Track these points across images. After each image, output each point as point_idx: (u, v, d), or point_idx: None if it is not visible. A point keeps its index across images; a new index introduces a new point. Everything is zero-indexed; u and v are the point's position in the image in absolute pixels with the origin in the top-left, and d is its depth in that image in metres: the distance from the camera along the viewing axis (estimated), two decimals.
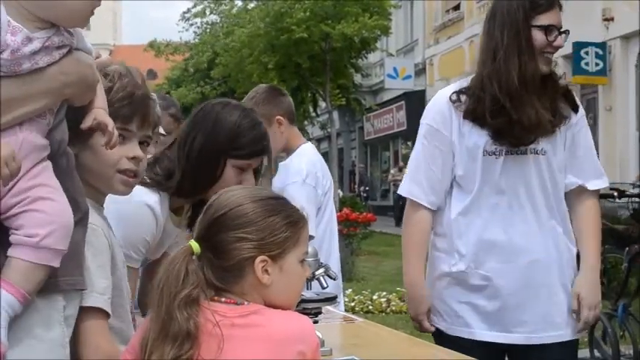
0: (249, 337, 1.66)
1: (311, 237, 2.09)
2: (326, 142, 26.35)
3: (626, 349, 6.06)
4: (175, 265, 1.68)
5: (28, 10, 1.65)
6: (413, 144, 3.13)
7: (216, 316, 1.66)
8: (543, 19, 2.82)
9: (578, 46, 14.47)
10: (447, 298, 2.94)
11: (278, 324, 1.68)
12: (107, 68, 2.02)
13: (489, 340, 2.86)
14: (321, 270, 2.70)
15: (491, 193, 2.85)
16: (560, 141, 2.89)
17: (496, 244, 2.85)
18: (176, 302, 1.64)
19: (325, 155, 4.04)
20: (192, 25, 25.91)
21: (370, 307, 8.78)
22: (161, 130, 3.13)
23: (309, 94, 23.77)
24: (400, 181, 3.50)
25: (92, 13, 1.73)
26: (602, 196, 7.62)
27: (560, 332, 2.88)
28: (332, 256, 3.83)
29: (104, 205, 2.07)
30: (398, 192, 3.16)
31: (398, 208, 19.22)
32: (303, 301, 2.38)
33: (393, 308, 8.71)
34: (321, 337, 2.22)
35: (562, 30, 2.85)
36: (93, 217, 1.91)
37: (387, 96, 27.22)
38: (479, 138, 2.83)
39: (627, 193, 7.13)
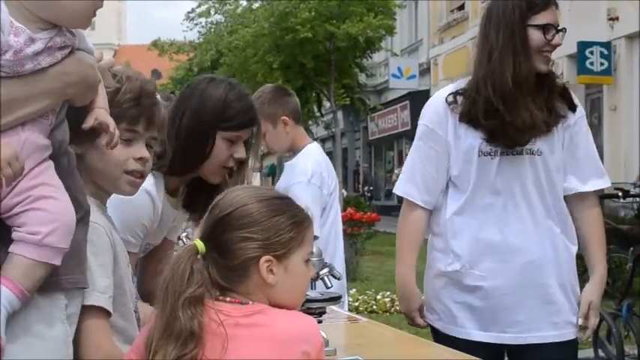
0: (253, 337, 1.66)
1: (315, 237, 2.10)
2: (330, 142, 26.37)
3: (631, 349, 6.07)
4: (180, 265, 1.68)
5: (31, 10, 1.65)
6: None
7: (221, 316, 1.66)
8: (540, 19, 2.82)
9: (583, 45, 14.45)
10: (443, 297, 2.94)
11: (283, 324, 1.68)
12: (113, 69, 2.02)
13: (485, 341, 2.86)
14: (326, 270, 2.70)
15: (486, 194, 2.85)
16: (558, 141, 2.88)
17: (491, 244, 2.85)
18: (180, 301, 1.65)
19: (329, 155, 4.05)
20: (196, 24, 25.95)
21: (374, 307, 8.78)
22: None
23: (314, 94, 23.79)
24: None
25: (94, 14, 1.73)
26: (606, 196, 7.66)
27: (558, 332, 2.87)
28: (337, 257, 3.83)
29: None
30: (393, 191, 3.18)
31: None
32: (308, 300, 2.38)
33: (397, 308, 8.67)
34: (325, 336, 2.22)
35: (559, 28, 2.85)
36: (95, 217, 1.91)
37: (391, 96, 27.23)
38: (474, 139, 2.84)
39: (631, 193, 7.13)
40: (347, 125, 31.31)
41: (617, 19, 14.61)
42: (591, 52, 14.60)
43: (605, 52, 14.65)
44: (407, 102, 25.01)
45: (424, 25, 25.82)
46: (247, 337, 1.66)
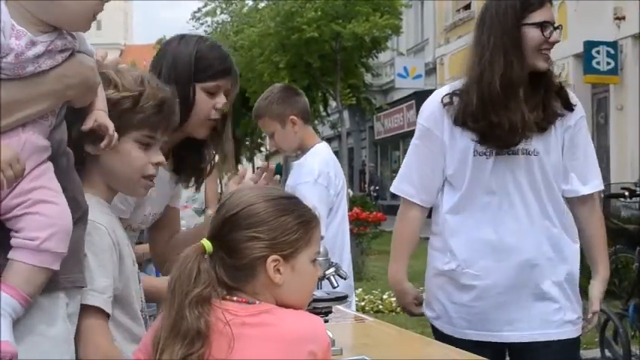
0: (260, 337, 1.66)
1: (321, 237, 2.11)
2: (336, 142, 26.35)
3: (638, 349, 6.06)
4: (187, 264, 1.69)
5: (32, 13, 1.66)
6: None
7: (227, 315, 1.66)
8: (537, 17, 2.82)
9: (590, 45, 14.43)
10: (440, 296, 2.96)
11: (289, 323, 1.68)
12: (133, 72, 2.04)
13: (481, 340, 2.86)
14: (332, 269, 2.70)
15: (482, 193, 2.86)
16: (555, 141, 2.88)
17: (487, 244, 2.85)
18: (187, 301, 1.65)
19: (335, 154, 4.05)
20: (202, 24, 25.97)
21: (380, 307, 8.78)
22: None
23: (320, 94, 23.80)
24: None
25: (94, 18, 1.75)
26: (613, 195, 7.65)
27: (555, 331, 2.86)
28: (344, 257, 3.83)
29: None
30: (390, 189, 3.20)
31: None
32: (314, 300, 2.38)
33: None
34: (331, 336, 2.22)
35: (556, 25, 2.85)
36: (99, 216, 1.92)
37: (397, 95, 27.21)
38: (469, 140, 2.85)
39: (638, 192, 7.11)
40: (353, 125, 31.31)
41: (623, 18, 14.58)
42: (598, 52, 14.57)
43: (612, 51, 14.61)
44: (413, 101, 24.97)
45: (430, 25, 25.80)
46: (254, 336, 1.66)
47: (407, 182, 3.02)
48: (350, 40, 21.15)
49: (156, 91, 2.03)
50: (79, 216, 1.79)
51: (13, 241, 1.66)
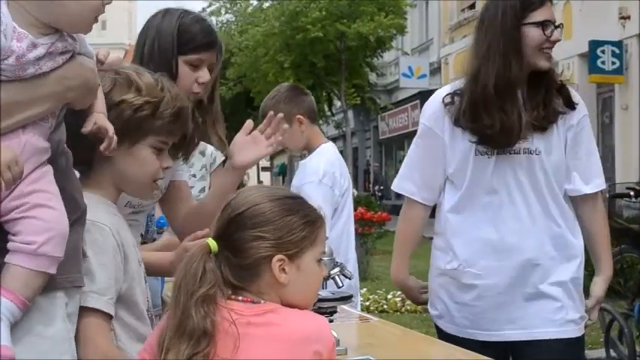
0: (265, 336, 1.66)
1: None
2: (341, 141, 26.37)
3: None
4: (193, 264, 1.69)
5: (34, 15, 1.67)
6: None
7: (233, 315, 1.67)
8: (537, 16, 2.82)
9: (595, 44, 14.41)
10: (443, 296, 2.97)
11: (294, 323, 1.68)
12: (153, 76, 2.04)
13: (484, 340, 2.86)
14: (337, 269, 2.71)
15: (483, 193, 2.86)
16: (558, 140, 2.87)
17: (488, 243, 2.85)
18: (193, 300, 1.65)
19: (340, 154, 4.08)
20: None
21: (385, 307, 8.78)
22: None
23: (324, 94, 23.80)
24: None
25: (96, 20, 1.75)
26: (618, 195, 7.63)
27: (557, 329, 2.85)
28: (349, 258, 3.82)
29: None
30: (392, 187, 3.23)
31: None
32: (319, 300, 2.38)
33: (408, 307, 8.69)
34: (336, 336, 2.22)
35: (557, 24, 2.85)
36: (104, 216, 1.92)
37: (402, 95, 27.19)
38: (469, 139, 2.85)
39: None
40: (357, 124, 31.30)
41: (628, 18, 14.56)
42: (603, 51, 14.56)
43: (617, 51, 14.60)
44: (417, 101, 24.95)
45: (435, 25, 25.79)
46: (259, 336, 1.66)
47: (408, 180, 3.04)
48: (355, 40, 21.15)
49: (174, 98, 2.03)
50: (78, 216, 1.80)
51: (10, 245, 1.67)
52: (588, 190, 2.93)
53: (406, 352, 2.71)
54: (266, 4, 23.85)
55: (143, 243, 2.87)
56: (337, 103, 25.00)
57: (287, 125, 3.93)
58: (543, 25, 2.81)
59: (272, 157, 44.32)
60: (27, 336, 1.69)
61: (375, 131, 31.08)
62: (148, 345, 1.77)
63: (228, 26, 25.78)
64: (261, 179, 41.04)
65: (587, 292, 2.99)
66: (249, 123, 2.51)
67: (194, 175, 5.72)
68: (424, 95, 24.30)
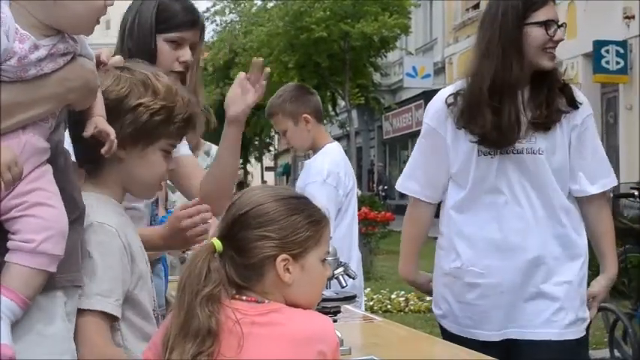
0: (269, 336, 1.67)
1: None
2: (345, 141, 26.35)
3: None
4: (197, 263, 1.69)
5: (36, 16, 1.67)
6: None
7: (237, 314, 1.67)
8: (540, 15, 2.81)
9: (599, 44, 14.39)
10: (447, 295, 2.97)
11: (298, 323, 1.69)
12: (168, 79, 2.04)
13: (486, 340, 2.86)
14: (341, 269, 2.71)
15: (486, 192, 2.86)
16: (561, 140, 2.86)
17: (491, 242, 2.86)
18: (198, 299, 1.66)
19: (345, 154, 4.10)
20: (212, 22, 25.98)
21: (389, 307, 8.78)
22: None
23: (329, 93, 23.80)
24: None
25: (98, 22, 1.76)
26: (622, 195, 7.62)
27: (558, 330, 2.84)
28: (352, 258, 3.82)
29: None
30: (395, 187, 3.24)
31: None
32: (323, 300, 2.38)
33: (412, 307, 8.69)
34: (340, 336, 2.23)
35: (560, 23, 2.84)
36: (111, 217, 1.93)
37: (406, 95, 27.18)
38: (470, 140, 2.85)
39: None
40: (361, 124, 31.30)
41: (632, 17, 14.53)
42: (607, 51, 14.53)
43: (621, 50, 14.57)
44: (421, 101, 24.94)
45: (439, 24, 25.77)
46: (263, 335, 1.67)
47: (412, 180, 3.06)
48: (359, 40, 21.15)
49: (187, 104, 2.03)
50: (77, 215, 1.80)
51: (9, 244, 1.67)
52: (594, 190, 2.92)
53: (410, 352, 2.71)
54: (270, 4, 23.85)
55: None
56: (341, 103, 24.99)
57: (292, 123, 3.94)
58: (546, 24, 2.81)
59: (276, 157, 44.35)
60: (27, 335, 1.70)
61: (379, 131, 31.08)
62: (152, 344, 1.77)
63: (232, 26, 25.79)
64: (264, 179, 41.05)
65: None
66: (241, 75, 2.51)
67: None
68: (428, 95, 24.23)
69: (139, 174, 2.01)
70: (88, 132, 1.83)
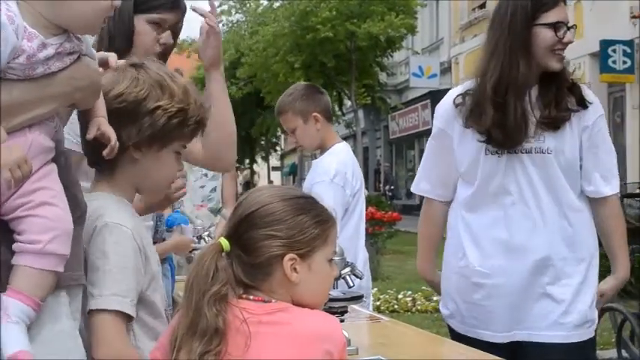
0: (276, 335, 1.67)
1: None
2: (351, 141, 26.36)
3: None
4: (205, 262, 1.70)
5: (44, 15, 1.68)
6: None
7: (244, 314, 1.67)
8: (550, 17, 2.81)
9: (606, 44, 14.36)
10: (454, 295, 2.97)
11: (305, 322, 1.69)
12: (179, 79, 2.04)
13: (492, 341, 2.85)
14: (348, 269, 2.71)
15: (494, 192, 2.86)
16: (571, 140, 2.85)
17: (498, 242, 2.85)
18: (205, 299, 1.66)
19: (354, 155, 4.09)
20: (219, 22, 26.00)
21: (396, 307, 8.77)
22: None
23: (335, 93, 23.79)
24: None
25: (104, 22, 1.76)
26: (629, 195, 7.60)
27: (565, 333, 2.82)
28: (359, 258, 3.82)
29: None
30: (411, 190, 3.28)
31: None
32: (330, 299, 2.39)
33: (419, 307, 8.69)
34: (347, 336, 2.23)
35: (570, 25, 2.84)
36: (125, 218, 1.92)
37: (412, 95, 27.17)
38: (478, 139, 2.85)
39: None
40: (368, 124, 31.29)
41: (639, 17, 14.50)
42: (614, 51, 14.50)
43: (628, 50, 14.54)
44: (428, 101, 24.93)
45: (445, 24, 25.75)
46: (270, 334, 1.67)
47: (424, 180, 3.09)
48: (365, 40, 21.13)
49: (200, 107, 2.03)
50: (79, 215, 1.80)
51: (15, 246, 1.67)
52: (609, 191, 2.90)
53: (417, 352, 2.71)
54: (276, 4, 23.85)
55: (153, 243, 2.88)
56: (347, 103, 24.99)
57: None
58: (556, 26, 2.80)
59: (282, 157, 44.37)
60: (38, 335, 1.70)
61: (386, 131, 31.07)
62: (160, 344, 1.78)
63: (238, 26, 25.81)
64: (271, 179, 41.09)
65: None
66: (203, 25, 2.60)
67: (205, 175, 5.74)
68: (434, 95, 24.30)
69: (152, 175, 2.02)
70: (91, 134, 1.84)
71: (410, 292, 9.05)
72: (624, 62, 14.55)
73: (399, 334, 3.00)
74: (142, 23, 2.50)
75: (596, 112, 2.90)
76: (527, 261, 2.82)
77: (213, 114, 2.50)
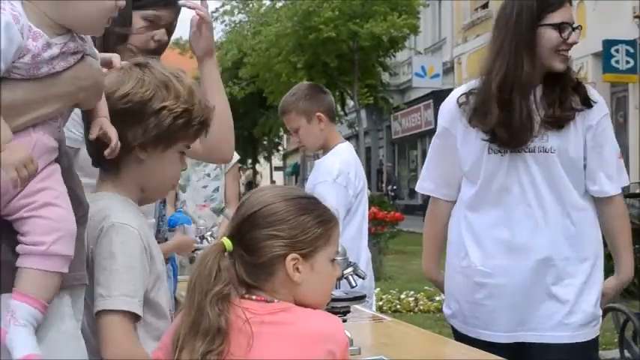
0: (278, 335, 1.67)
1: None
2: (353, 141, 26.36)
3: None
4: (207, 262, 1.70)
5: (48, 15, 1.68)
6: None
7: (247, 313, 1.67)
8: (555, 17, 2.80)
9: (609, 44, 14.35)
10: (457, 294, 2.97)
11: (308, 322, 1.69)
12: (183, 79, 2.04)
13: (495, 341, 2.85)
14: (350, 269, 2.71)
15: (497, 191, 2.86)
16: (575, 139, 2.84)
17: (500, 242, 2.85)
18: (208, 298, 1.66)
19: (357, 155, 4.09)
20: (222, 22, 25.99)
21: (398, 307, 8.77)
22: None
23: (337, 93, 23.79)
24: None
25: (108, 22, 1.76)
26: (632, 195, 7.59)
27: (569, 333, 2.82)
28: (361, 258, 3.82)
29: None
30: (415, 189, 3.26)
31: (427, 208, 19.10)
32: (332, 299, 2.39)
33: (421, 307, 8.68)
34: (349, 336, 2.23)
35: (575, 26, 2.83)
36: (132, 218, 1.93)
37: (414, 95, 27.17)
38: (482, 138, 2.85)
39: None
40: (370, 124, 31.29)
41: None
42: (617, 51, 14.49)
43: (631, 50, 14.53)
44: (430, 101, 24.93)
45: (448, 24, 25.74)
46: (272, 334, 1.67)
47: (428, 180, 3.09)
48: (367, 40, 21.13)
49: (204, 107, 2.03)
50: (81, 215, 1.80)
51: (19, 248, 1.66)
52: (614, 191, 2.90)
53: (419, 352, 2.71)
54: (279, 4, 23.85)
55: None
56: (350, 103, 24.99)
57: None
58: (560, 27, 2.79)
59: (285, 157, 44.37)
60: (42, 336, 1.70)
61: (388, 131, 31.07)
62: (162, 344, 1.78)
63: (241, 26, 25.81)
64: (273, 179, 41.10)
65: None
66: (193, 17, 2.62)
67: (208, 175, 5.74)
68: (437, 95, 24.30)
69: (157, 175, 2.02)
70: (94, 134, 1.84)
71: (412, 292, 9.04)
72: (627, 62, 14.54)
73: (401, 334, 3.00)
74: (137, 19, 2.50)
75: (601, 111, 2.90)
76: (529, 261, 2.82)
77: None
